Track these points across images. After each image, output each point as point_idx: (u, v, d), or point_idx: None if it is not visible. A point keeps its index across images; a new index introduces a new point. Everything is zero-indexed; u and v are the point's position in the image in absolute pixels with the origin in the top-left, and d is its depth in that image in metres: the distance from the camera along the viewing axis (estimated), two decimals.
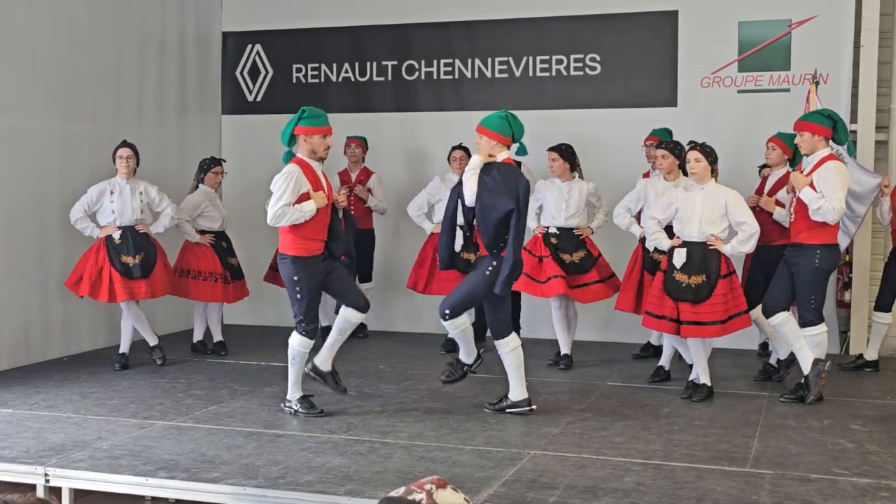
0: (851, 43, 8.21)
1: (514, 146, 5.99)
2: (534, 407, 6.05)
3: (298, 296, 5.90)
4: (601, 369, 7.58)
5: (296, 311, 5.96)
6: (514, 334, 6.07)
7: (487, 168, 5.81)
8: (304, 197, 5.82)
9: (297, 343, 6.00)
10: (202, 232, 7.95)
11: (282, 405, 6.15)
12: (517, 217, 5.69)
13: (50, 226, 7.81)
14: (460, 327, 6.01)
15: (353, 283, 6.31)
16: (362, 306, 6.07)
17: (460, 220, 5.95)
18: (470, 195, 5.77)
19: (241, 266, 8.18)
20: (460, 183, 5.94)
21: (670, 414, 6.14)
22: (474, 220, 5.89)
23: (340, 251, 6.14)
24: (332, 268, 6.03)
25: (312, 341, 6.03)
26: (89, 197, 7.41)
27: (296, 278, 5.87)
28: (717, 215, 6.35)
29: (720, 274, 6.33)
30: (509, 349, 6.03)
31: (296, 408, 6.05)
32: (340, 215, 6.22)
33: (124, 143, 7.50)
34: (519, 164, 8.32)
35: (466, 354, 6.17)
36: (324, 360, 6.12)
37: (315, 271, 5.92)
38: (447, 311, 5.91)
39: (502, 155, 5.86)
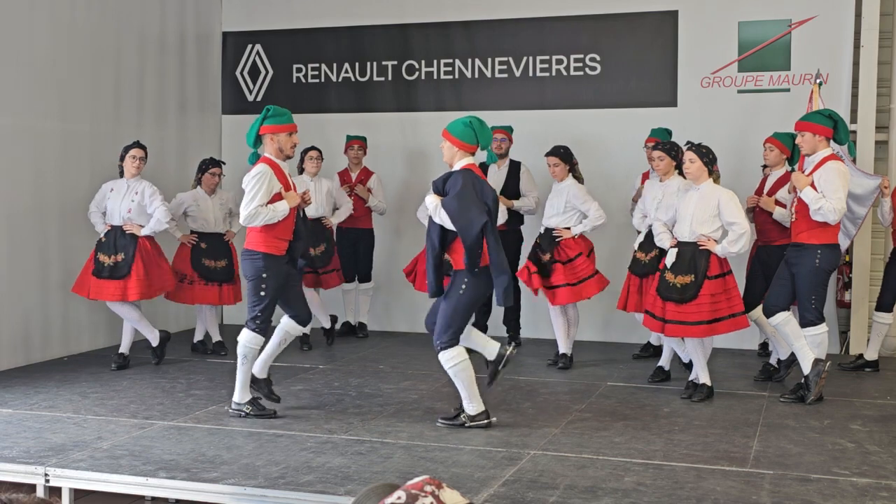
0: (851, 43, 8.21)
1: (483, 153, 5.88)
2: (493, 420, 5.76)
3: (262, 293, 5.86)
4: (601, 369, 7.58)
5: (254, 307, 5.89)
6: (460, 348, 5.69)
7: (451, 181, 5.58)
8: (277, 197, 5.85)
9: (249, 340, 5.92)
10: (191, 232, 7.96)
11: (228, 409, 6.03)
12: (491, 228, 5.50)
13: (50, 226, 7.81)
14: (454, 361, 5.64)
15: (303, 295, 6.27)
16: (305, 319, 6.11)
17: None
18: (447, 224, 5.55)
19: (227, 270, 7.93)
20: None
21: (670, 414, 6.14)
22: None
23: (300, 250, 6.11)
24: (290, 272, 6.05)
25: (263, 338, 5.97)
26: (100, 194, 7.46)
27: (264, 275, 5.84)
28: (708, 215, 6.34)
29: (708, 274, 6.32)
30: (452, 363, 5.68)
31: (246, 410, 5.95)
32: (302, 215, 6.19)
33: (137, 144, 7.47)
34: (518, 163, 8.39)
35: (468, 401, 5.73)
36: (261, 369, 6.08)
37: (281, 272, 5.92)
38: (439, 343, 5.66)
39: (463, 161, 5.64)
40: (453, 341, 5.66)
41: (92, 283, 7.36)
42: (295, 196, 5.94)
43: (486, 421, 5.73)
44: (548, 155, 7.51)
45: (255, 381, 6.09)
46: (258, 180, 5.78)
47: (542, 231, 7.59)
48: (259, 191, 5.77)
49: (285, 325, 6.11)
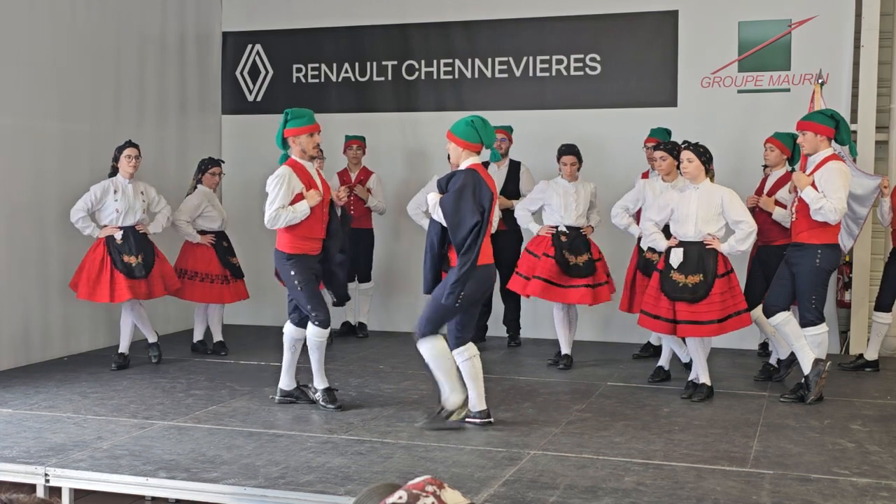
0: (851, 43, 8.21)
1: (487, 151, 5.91)
2: (491, 420, 5.79)
3: (299, 288, 6.05)
4: (601, 369, 7.58)
5: (302, 303, 6.09)
6: (471, 344, 5.79)
7: (454, 180, 5.60)
8: (299, 197, 5.98)
9: (314, 333, 6.13)
10: (202, 232, 7.94)
11: (319, 402, 6.28)
12: (479, 229, 5.50)
13: (50, 226, 7.81)
14: (432, 350, 5.65)
15: (323, 299, 6.34)
16: (301, 322, 6.19)
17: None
18: (441, 220, 5.60)
19: (240, 266, 8.16)
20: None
21: (670, 414, 6.14)
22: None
23: (338, 248, 6.20)
24: (319, 273, 6.20)
25: (328, 329, 6.14)
26: (92, 195, 7.35)
27: (292, 273, 6.05)
28: (712, 214, 6.35)
29: (717, 273, 6.33)
30: (465, 357, 5.76)
31: (319, 398, 6.21)
32: (339, 213, 6.26)
33: (131, 143, 7.48)
34: (518, 163, 8.39)
35: (449, 391, 5.68)
36: (288, 381, 6.31)
37: (308, 267, 6.08)
38: (418, 333, 5.70)
39: (469, 161, 5.67)
40: (432, 332, 5.68)
41: (121, 285, 7.26)
42: (315, 195, 6.00)
43: (465, 409, 5.70)
44: (565, 154, 7.50)
45: (288, 395, 6.31)
46: (277, 183, 5.95)
47: (565, 230, 7.49)
48: (278, 194, 5.93)
49: (286, 331, 6.26)
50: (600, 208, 7.72)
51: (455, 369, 5.72)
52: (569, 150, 7.53)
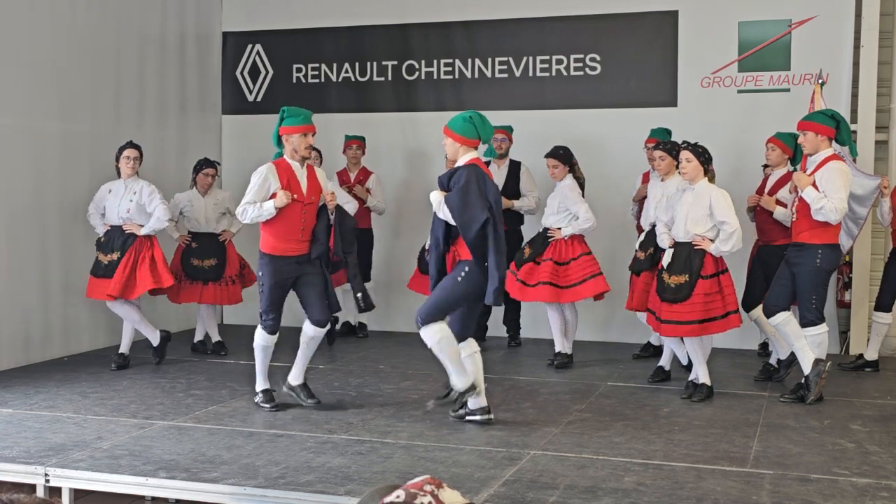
0: (851, 43, 8.21)
1: (483, 147, 5.91)
2: (492, 416, 5.80)
3: (261, 290, 6.14)
4: (601, 369, 7.58)
5: (260, 304, 6.16)
6: (471, 340, 5.84)
7: (456, 177, 5.60)
8: (274, 196, 5.99)
9: (257, 336, 6.21)
10: (187, 232, 7.97)
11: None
12: (493, 225, 5.51)
13: (50, 226, 7.81)
14: (437, 336, 5.66)
15: (321, 295, 6.15)
16: (319, 321, 6.12)
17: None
18: (450, 220, 5.61)
19: (216, 269, 7.94)
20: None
21: (670, 414, 6.14)
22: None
23: (316, 252, 6.13)
24: (304, 272, 6.09)
25: (273, 336, 6.17)
26: (98, 195, 7.48)
27: (260, 273, 6.12)
28: (701, 215, 6.35)
29: (702, 274, 6.32)
30: (466, 354, 5.78)
31: (256, 399, 6.26)
32: (332, 218, 6.17)
33: (131, 144, 7.48)
34: (518, 163, 8.39)
35: (456, 375, 5.69)
36: (295, 375, 6.30)
37: (280, 270, 6.05)
38: (419, 318, 5.71)
39: (467, 156, 5.67)
40: (435, 319, 5.68)
41: (90, 281, 7.39)
42: (284, 195, 5.96)
43: (476, 390, 5.71)
44: (547, 156, 7.51)
45: (291, 388, 6.28)
46: (254, 179, 6.03)
47: (541, 229, 7.60)
48: (251, 189, 6.01)
49: (304, 327, 6.23)
50: (595, 207, 7.53)
51: (459, 353, 5.74)
52: (550, 153, 7.50)
